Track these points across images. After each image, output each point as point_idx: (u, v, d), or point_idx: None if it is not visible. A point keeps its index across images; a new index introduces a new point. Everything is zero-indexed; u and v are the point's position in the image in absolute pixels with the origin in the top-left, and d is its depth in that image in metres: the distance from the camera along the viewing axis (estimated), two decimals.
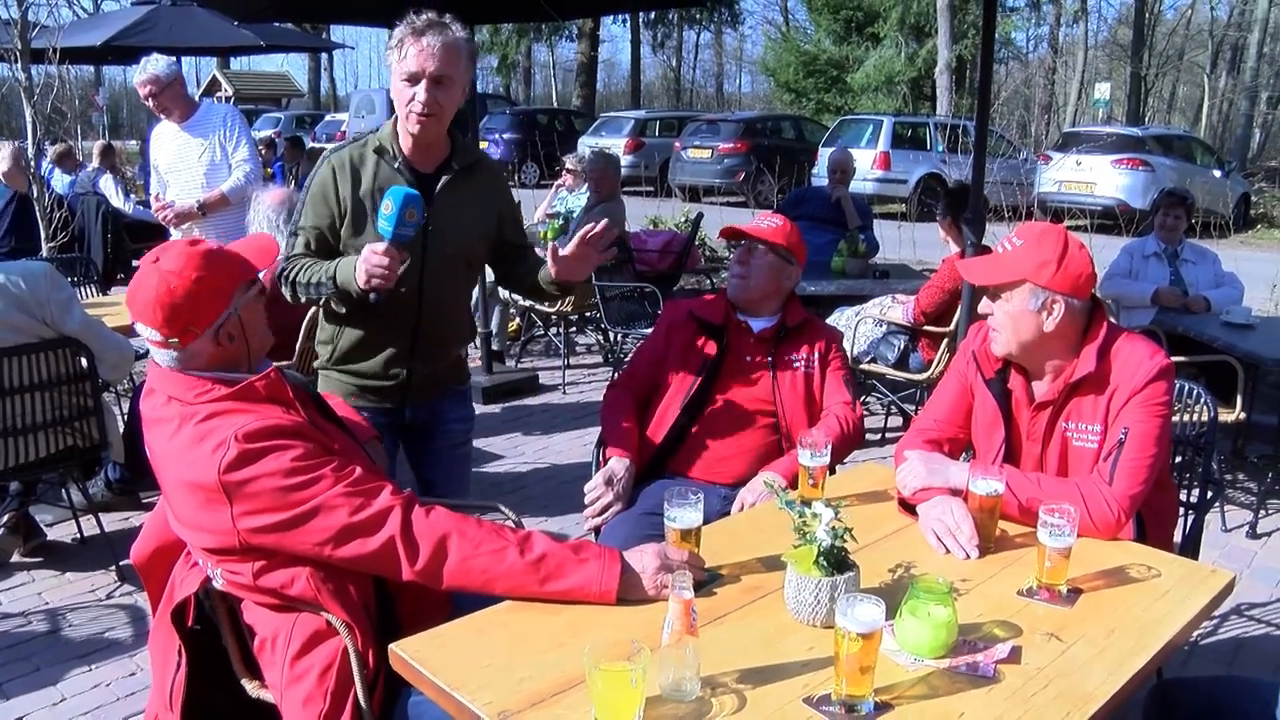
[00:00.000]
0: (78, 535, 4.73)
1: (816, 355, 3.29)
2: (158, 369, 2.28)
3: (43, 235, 8.03)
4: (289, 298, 3.04)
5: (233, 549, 2.16)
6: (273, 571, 2.18)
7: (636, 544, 2.23)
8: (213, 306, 2.24)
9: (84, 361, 4.22)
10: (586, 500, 3.05)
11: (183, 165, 5.87)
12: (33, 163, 8.22)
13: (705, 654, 1.82)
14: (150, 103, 5.77)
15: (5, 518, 4.50)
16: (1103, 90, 26.79)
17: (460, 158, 3.11)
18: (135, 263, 9.82)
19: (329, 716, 2.22)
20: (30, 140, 8.17)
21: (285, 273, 3.01)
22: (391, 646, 1.97)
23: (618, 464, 3.10)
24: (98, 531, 4.63)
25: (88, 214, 9.90)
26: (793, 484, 2.88)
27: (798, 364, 3.27)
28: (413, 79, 2.87)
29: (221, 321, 2.25)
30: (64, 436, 4.22)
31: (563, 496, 5.22)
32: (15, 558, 4.54)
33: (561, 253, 2.99)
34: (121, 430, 4.83)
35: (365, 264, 2.77)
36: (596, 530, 3.07)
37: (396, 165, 3.01)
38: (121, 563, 4.42)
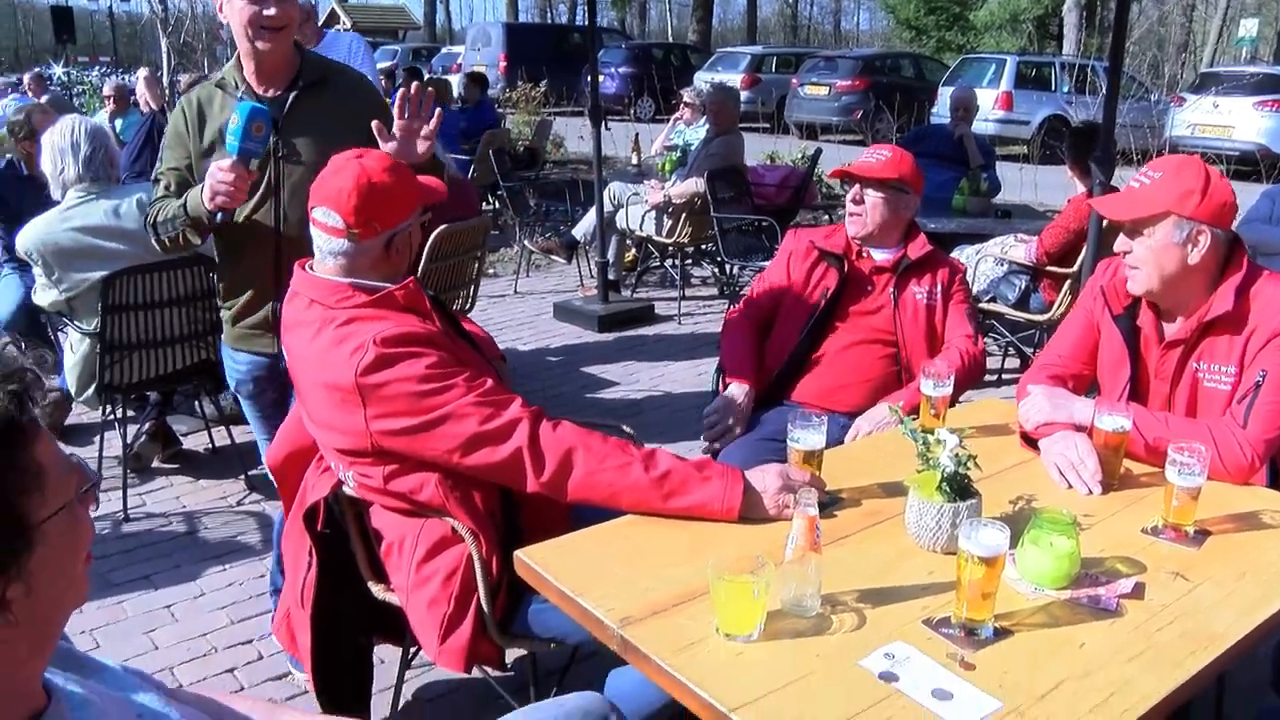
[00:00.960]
0: (210, 445, 4.93)
1: (939, 287, 3.26)
2: (303, 275, 2.36)
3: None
4: (155, 244, 3.01)
5: (365, 451, 2.23)
6: (403, 476, 2.25)
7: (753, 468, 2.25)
8: (398, 211, 2.33)
9: (215, 278, 4.37)
10: (705, 424, 3.08)
11: None
12: (167, 92, 8.46)
13: (825, 573, 1.83)
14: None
15: (146, 426, 4.74)
16: (1249, 27, 25.49)
17: (307, 73, 2.96)
18: None
19: (452, 620, 2.30)
20: (165, 70, 8.41)
21: (147, 219, 2.99)
22: (517, 552, 2.04)
23: (737, 389, 3.13)
24: (228, 442, 4.83)
25: None
26: (913, 415, 2.87)
27: (920, 295, 3.24)
28: None
29: (397, 230, 2.33)
30: (198, 350, 4.39)
31: (678, 424, 5.26)
32: (155, 463, 4.79)
33: (385, 146, 2.74)
34: None
35: (210, 180, 2.70)
36: (714, 455, 3.09)
37: (240, 95, 2.88)
38: (250, 472, 4.60)
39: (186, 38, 10.64)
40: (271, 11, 2.77)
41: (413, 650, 2.80)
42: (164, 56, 8.33)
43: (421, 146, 2.78)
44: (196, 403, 5.02)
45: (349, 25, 26.21)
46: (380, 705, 2.88)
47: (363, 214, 2.26)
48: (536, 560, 2.00)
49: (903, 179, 3.23)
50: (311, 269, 2.37)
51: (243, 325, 3.05)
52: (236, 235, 2.94)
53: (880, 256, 3.29)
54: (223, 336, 3.15)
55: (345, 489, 2.41)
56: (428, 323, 2.29)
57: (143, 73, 8.10)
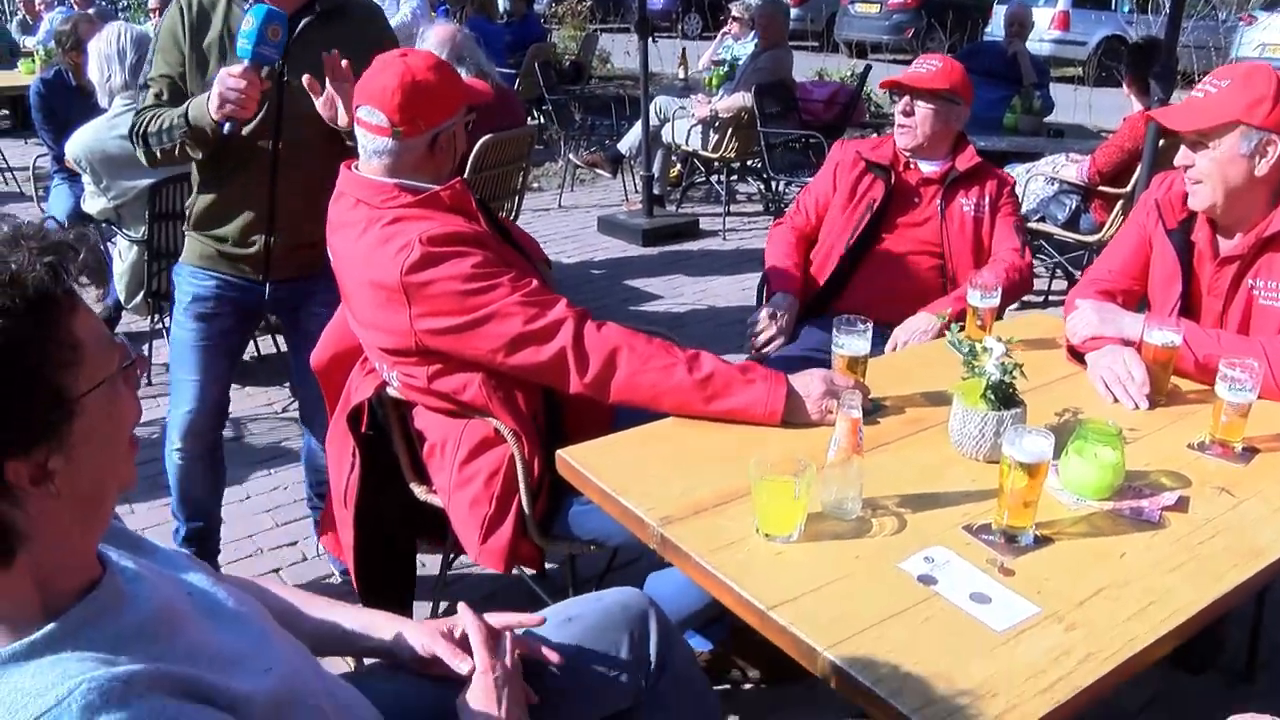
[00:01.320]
0: (255, 353, 4.98)
1: (987, 200, 3.21)
2: (349, 174, 2.35)
3: None
4: (143, 157, 2.78)
5: (409, 351, 2.24)
6: (447, 377, 2.26)
7: None
8: (442, 109, 2.30)
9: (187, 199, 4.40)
10: (749, 333, 3.07)
11: None
12: None
13: (867, 478, 1.83)
14: None
15: None
16: None
17: None
18: None
19: (493, 520, 2.32)
20: None
21: (135, 128, 2.74)
22: (560, 452, 2.05)
23: (782, 299, 3.12)
24: (274, 350, 4.88)
25: None
26: (958, 324, 2.85)
27: (967, 207, 3.20)
28: None
29: (442, 129, 2.30)
30: None
31: (721, 338, 5.23)
32: None
33: (320, 107, 2.58)
34: None
35: (220, 86, 2.47)
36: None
37: (248, 5, 2.57)
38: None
39: None
40: None
41: (453, 554, 2.85)
42: None
43: (342, 115, 2.56)
44: None
45: None
46: (420, 609, 2.93)
47: (407, 111, 2.24)
48: (578, 459, 2.01)
49: (954, 89, 3.17)
50: (357, 169, 2.36)
51: (227, 247, 2.83)
52: (229, 159, 2.72)
53: (928, 168, 3.25)
54: (184, 255, 2.91)
55: (389, 390, 2.43)
56: (474, 223, 2.28)
57: None
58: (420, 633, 1.62)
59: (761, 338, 3.06)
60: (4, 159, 8.54)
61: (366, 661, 1.76)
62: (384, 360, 2.36)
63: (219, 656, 1.16)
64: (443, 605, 2.96)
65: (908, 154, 3.25)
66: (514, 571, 3.02)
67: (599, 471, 1.96)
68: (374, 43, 2.57)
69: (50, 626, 1.00)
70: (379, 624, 1.64)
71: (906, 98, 3.21)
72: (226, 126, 2.51)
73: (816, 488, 1.76)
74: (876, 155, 3.29)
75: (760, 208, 8.06)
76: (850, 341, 2.27)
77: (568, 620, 1.74)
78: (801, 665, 2.74)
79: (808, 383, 2.16)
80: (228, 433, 4.17)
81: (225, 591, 1.31)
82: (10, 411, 0.95)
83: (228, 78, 2.45)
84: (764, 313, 3.09)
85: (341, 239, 2.32)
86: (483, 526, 2.31)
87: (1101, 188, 5.56)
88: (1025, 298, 4.14)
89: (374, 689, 1.54)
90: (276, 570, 3.31)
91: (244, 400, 4.54)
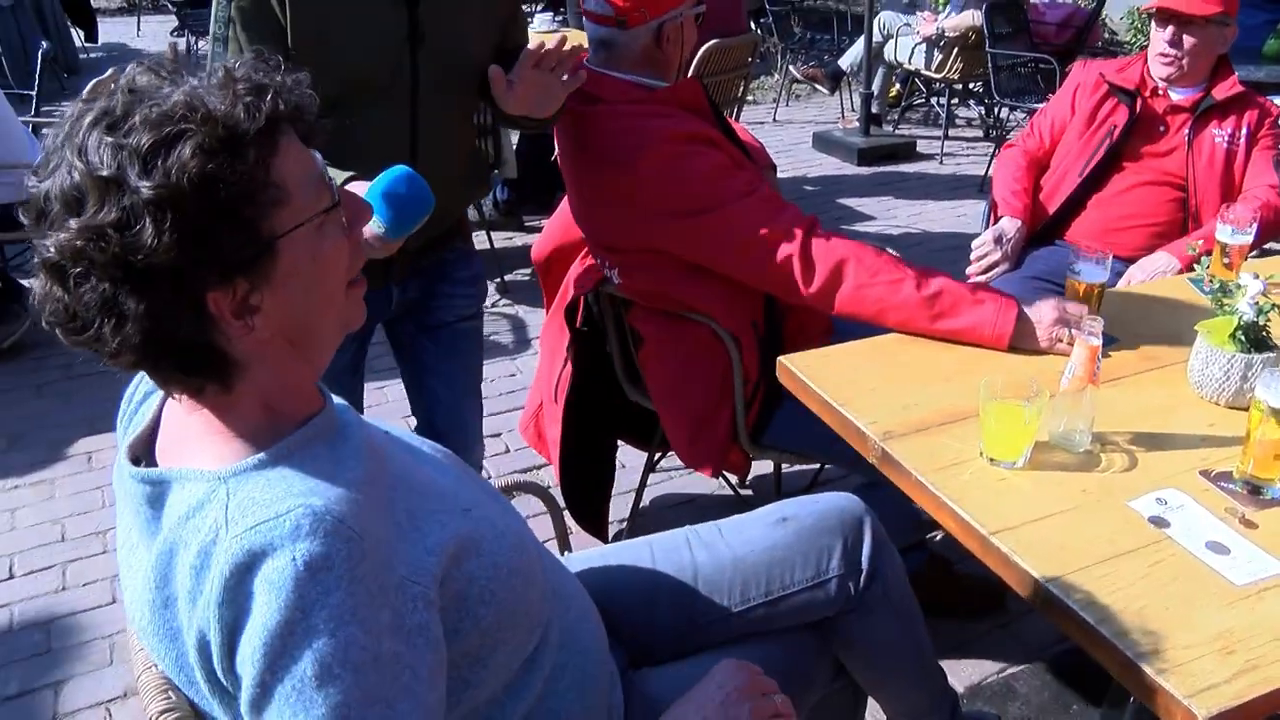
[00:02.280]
0: None
1: (1244, 131, 2.98)
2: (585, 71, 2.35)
3: None
4: None
5: (636, 248, 2.25)
6: (672, 275, 2.26)
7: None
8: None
9: None
10: (973, 257, 2.97)
11: None
12: None
13: (1098, 412, 1.76)
14: None
15: None
16: None
17: None
18: None
19: (705, 423, 2.34)
20: None
21: None
22: (782, 359, 2.03)
23: (1008, 223, 2.99)
24: (486, 246, 4.99)
25: None
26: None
27: (1220, 138, 2.98)
28: None
29: (669, 18, 2.24)
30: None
31: (934, 263, 4.93)
32: None
33: (510, 79, 1.99)
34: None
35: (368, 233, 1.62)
36: None
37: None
38: (505, 277, 4.76)
39: None
40: None
41: (658, 456, 2.88)
42: None
43: (547, 104, 2.06)
44: None
45: None
46: (619, 507, 2.98)
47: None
48: (800, 366, 1.99)
49: (1226, 9, 2.92)
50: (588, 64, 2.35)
51: None
52: (355, 147, 1.75)
53: (1178, 95, 3.03)
54: None
55: (607, 287, 2.45)
56: (708, 124, 2.26)
57: None
58: None
59: (984, 263, 2.95)
60: None
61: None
62: (607, 257, 2.37)
63: (422, 486, 1.21)
64: (642, 505, 3.01)
65: (1164, 83, 3.04)
66: (718, 479, 3.07)
67: (821, 380, 1.93)
68: None
69: (280, 444, 1.09)
70: None
71: (1172, 26, 2.96)
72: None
73: (1046, 415, 1.70)
74: (1122, 78, 3.09)
75: (980, 133, 7.75)
76: (1088, 269, 2.17)
77: (782, 520, 1.74)
78: (993, 606, 2.71)
79: (1040, 308, 2.07)
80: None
81: (419, 440, 1.39)
82: (205, 245, 0.99)
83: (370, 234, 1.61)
84: (988, 234, 2.97)
85: (570, 133, 2.31)
86: (694, 429, 2.33)
87: None
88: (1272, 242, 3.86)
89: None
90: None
91: None
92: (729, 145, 2.24)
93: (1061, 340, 2.02)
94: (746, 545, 1.71)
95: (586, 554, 1.78)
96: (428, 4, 1.95)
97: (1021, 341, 2.06)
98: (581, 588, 1.50)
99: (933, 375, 1.96)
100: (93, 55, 9.84)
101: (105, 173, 0.96)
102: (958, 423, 1.79)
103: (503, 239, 5.27)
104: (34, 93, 5.39)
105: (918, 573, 2.59)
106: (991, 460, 1.69)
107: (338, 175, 1.68)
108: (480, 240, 5.07)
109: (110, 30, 10.91)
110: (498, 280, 4.75)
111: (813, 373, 1.97)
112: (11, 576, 2.95)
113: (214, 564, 1.00)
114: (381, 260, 1.73)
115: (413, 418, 2.51)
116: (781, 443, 2.36)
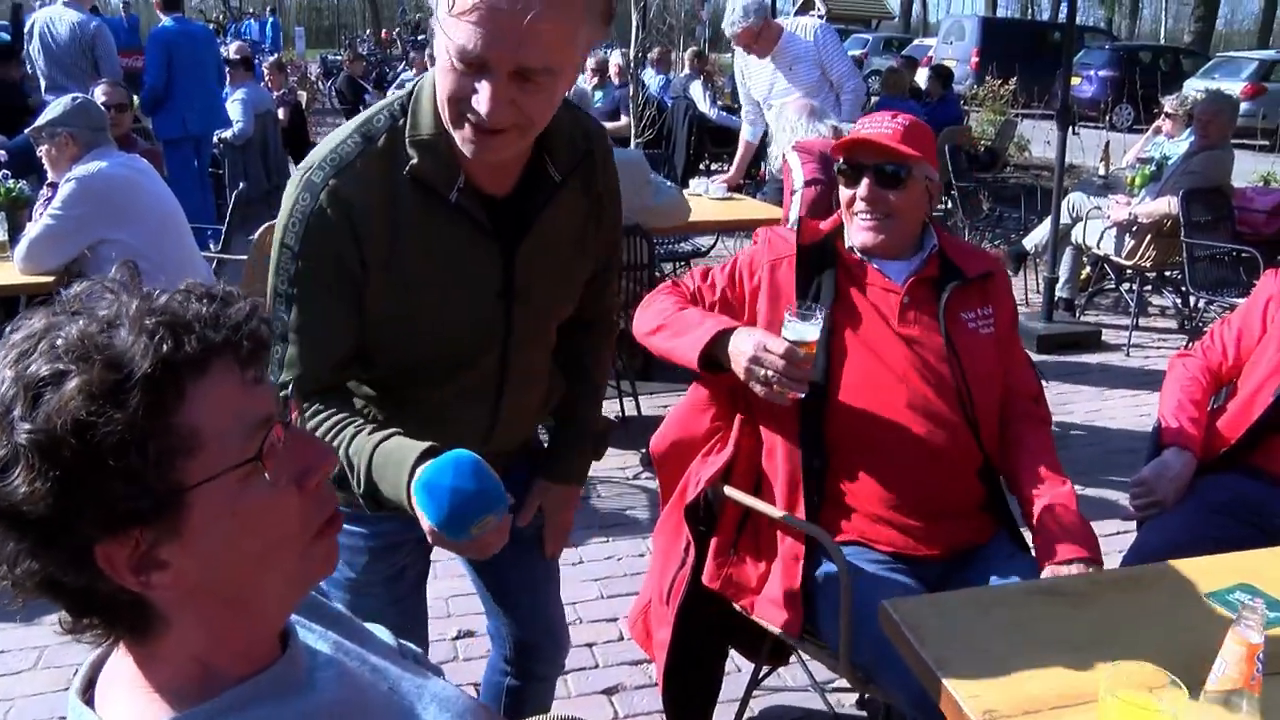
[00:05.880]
0: (619, 413, 5.00)
1: None
2: None
3: (633, 128, 8.69)
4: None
5: None
6: None
7: (1191, 543, 1.88)
8: None
9: (645, 248, 4.44)
10: (1130, 494, 2.62)
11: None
12: (633, 63, 8.89)
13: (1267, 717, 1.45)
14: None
15: None
16: None
17: (560, 157, 1.71)
18: (713, 165, 10.32)
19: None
20: (633, 44, 8.78)
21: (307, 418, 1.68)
22: (884, 603, 1.77)
23: (1174, 456, 2.60)
24: (636, 414, 4.88)
25: (676, 115, 10.48)
26: None
27: None
28: (472, 64, 1.43)
29: None
30: (620, 321, 4.45)
31: (1109, 464, 4.67)
32: None
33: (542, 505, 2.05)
34: None
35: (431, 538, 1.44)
36: (1140, 522, 2.67)
37: (455, 199, 1.61)
38: (649, 448, 4.62)
39: (665, 14, 11.11)
40: (487, 105, 1.44)
41: (764, 669, 2.66)
42: (633, 31, 8.78)
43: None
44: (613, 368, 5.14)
45: (824, 11, 26.36)
46: (722, 715, 2.74)
47: None
48: (903, 615, 1.73)
49: None
50: None
51: None
52: (433, 392, 1.78)
53: None
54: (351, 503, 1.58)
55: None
56: None
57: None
58: None
59: (1143, 501, 2.58)
60: None
61: None
62: None
63: None
64: (747, 717, 2.76)
65: None
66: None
67: (924, 635, 1.67)
68: (605, 200, 1.86)
69: (207, 705, 0.96)
70: None
71: None
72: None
73: (1189, 718, 1.41)
74: None
75: (1174, 325, 7.26)
76: (797, 326, 2.05)
77: None
78: None
79: (742, 340, 2.08)
80: None
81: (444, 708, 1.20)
82: (82, 495, 0.87)
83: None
84: (1150, 472, 2.60)
85: None
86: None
87: None
88: None
89: None
90: (590, 645, 3.22)
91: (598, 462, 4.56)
92: None
93: (754, 378, 2.03)
94: None
95: None
96: (526, 252, 1.71)
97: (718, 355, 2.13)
98: None
99: (1059, 640, 1.67)
100: None
101: None
102: (1076, 708, 1.50)
103: (654, 406, 5.13)
104: (223, 227, 5.69)
105: None
106: None
107: (411, 449, 1.49)
108: (630, 406, 4.97)
109: None
110: (643, 450, 4.61)
111: (917, 622, 1.70)
112: None
113: None
114: None
115: None
116: (871, 669, 2.11)
